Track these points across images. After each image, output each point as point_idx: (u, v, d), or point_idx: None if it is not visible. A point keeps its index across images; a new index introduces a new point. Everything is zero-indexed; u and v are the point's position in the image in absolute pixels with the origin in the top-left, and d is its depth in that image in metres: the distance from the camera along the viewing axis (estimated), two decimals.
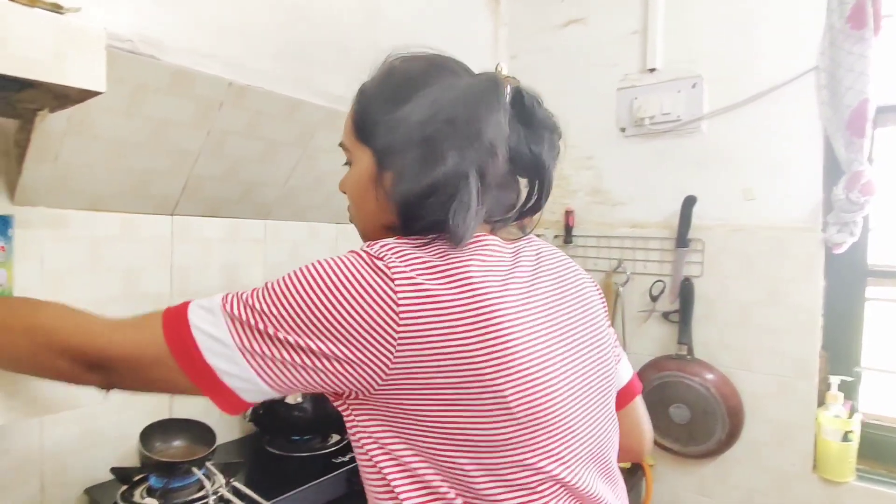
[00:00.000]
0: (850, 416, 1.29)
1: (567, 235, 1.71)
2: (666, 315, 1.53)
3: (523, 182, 0.67)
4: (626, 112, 1.60)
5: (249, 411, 1.11)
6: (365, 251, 0.56)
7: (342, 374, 0.53)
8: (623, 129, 1.62)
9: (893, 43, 1.28)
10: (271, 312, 0.54)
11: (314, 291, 0.54)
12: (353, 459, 1.21)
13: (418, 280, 0.53)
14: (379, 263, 0.54)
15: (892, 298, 1.40)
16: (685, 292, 1.48)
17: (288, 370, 0.53)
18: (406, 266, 0.54)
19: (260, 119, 1.17)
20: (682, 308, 1.48)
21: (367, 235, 0.70)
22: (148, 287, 1.16)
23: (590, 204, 1.70)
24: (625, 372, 0.75)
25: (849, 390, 1.34)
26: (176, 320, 0.57)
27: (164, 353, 0.55)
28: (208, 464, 1.04)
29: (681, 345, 1.47)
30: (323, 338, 0.52)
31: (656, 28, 1.55)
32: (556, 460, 0.55)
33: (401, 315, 0.51)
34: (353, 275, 0.54)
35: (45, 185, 0.97)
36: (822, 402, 1.35)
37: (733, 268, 1.45)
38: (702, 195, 1.48)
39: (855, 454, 1.29)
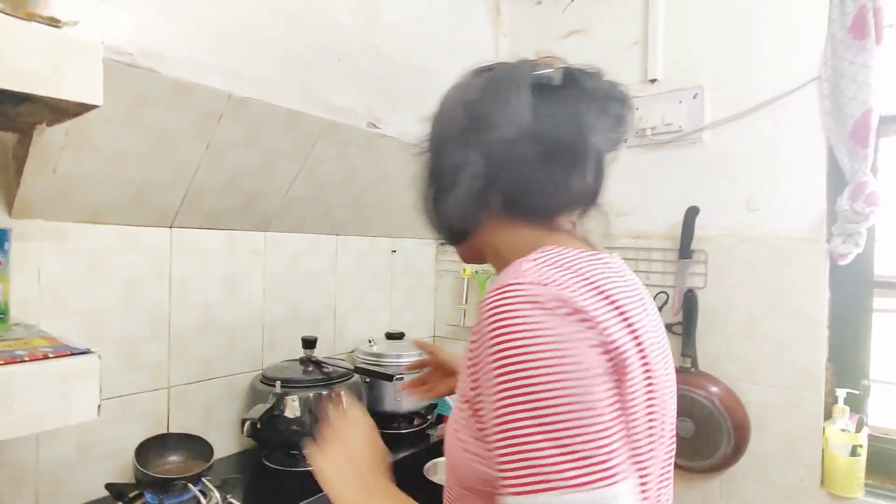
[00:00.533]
0: (858, 430, 1.27)
1: None
2: (669, 327, 1.51)
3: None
4: None
5: (248, 427, 1.10)
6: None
7: None
8: (625, 140, 1.61)
9: (895, 52, 1.28)
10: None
11: None
12: None
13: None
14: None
15: None
16: (688, 304, 1.46)
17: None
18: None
19: (259, 130, 1.17)
20: (685, 320, 1.47)
21: (458, 253, 0.71)
22: (147, 299, 1.15)
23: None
24: None
25: (856, 403, 1.32)
26: None
27: None
28: (205, 479, 1.03)
29: (685, 357, 1.45)
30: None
31: (657, 39, 1.55)
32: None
33: None
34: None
35: (43, 197, 0.97)
36: (828, 416, 1.33)
37: (737, 279, 1.43)
38: (704, 206, 1.47)
39: (863, 469, 1.26)
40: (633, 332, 0.52)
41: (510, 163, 0.57)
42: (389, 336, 1.61)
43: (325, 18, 1.28)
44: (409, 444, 1.40)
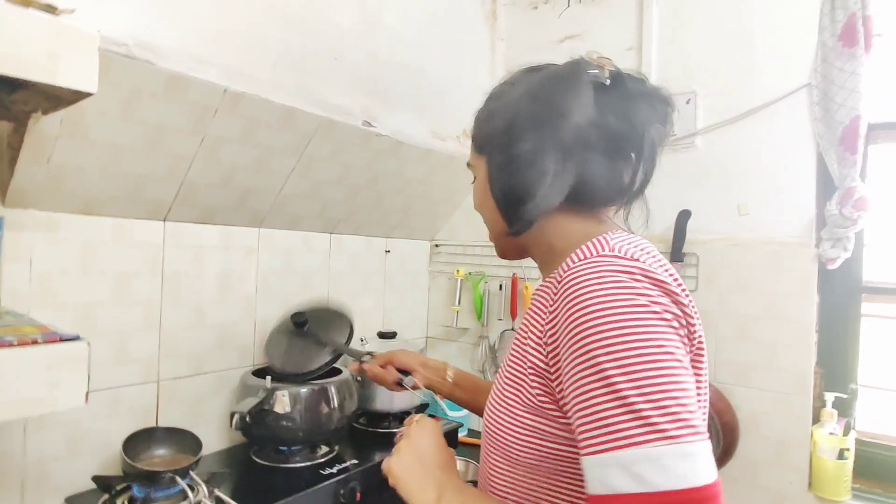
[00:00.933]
0: (846, 434, 1.27)
1: None
2: None
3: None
4: None
5: (237, 420, 1.09)
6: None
7: None
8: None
9: (885, 61, 1.30)
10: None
11: None
12: (340, 471, 1.19)
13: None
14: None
15: (887, 315, 1.40)
16: None
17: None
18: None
19: (255, 126, 1.18)
20: None
21: (496, 243, 0.74)
22: (139, 293, 1.15)
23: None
24: None
25: (844, 407, 1.33)
26: None
27: None
28: (192, 473, 1.02)
29: None
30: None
31: (651, 45, 1.57)
32: None
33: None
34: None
35: (36, 187, 0.97)
36: (817, 420, 1.34)
37: (728, 282, 1.44)
38: (696, 209, 1.48)
39: (850, 472, 1.27)
40: (696, 312, 0.56)
41: (578, 152, 0.61)
42: (382, 335, 1.61)
43: (323, 18, 1.29)
44: None
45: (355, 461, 1.24)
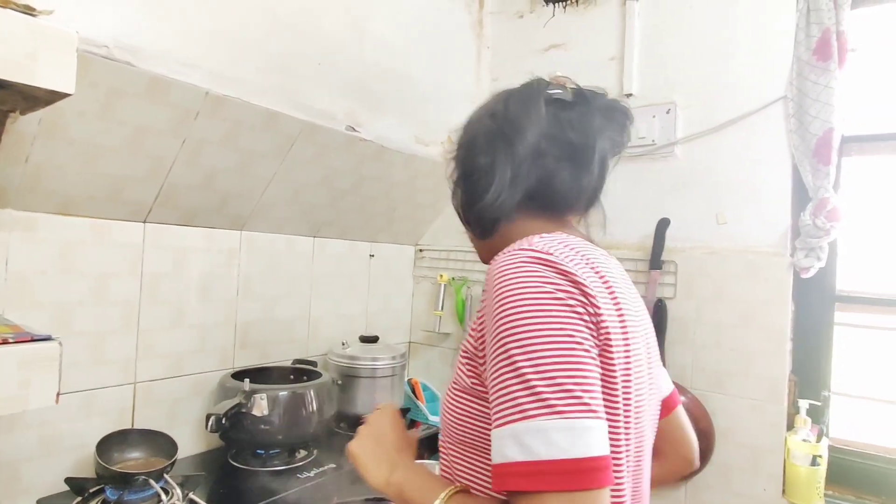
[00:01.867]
0: (819, 441, 1.30)
1: None
2: None
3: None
4: None
5: (213, 422, 1.09)
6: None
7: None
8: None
9: (859, 75, 1.33)
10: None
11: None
12: (318, 475, 1.19)
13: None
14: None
15: (860, 324, 1.42)
16: (659, 314, 1.49)
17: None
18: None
19: (238, 130, 1.18)
20: (655, 329, 1.48)
21: (479, 255, 0.79)
22: (117, 293, 1.15)
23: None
24: (666, 382, 0.82)
25: (817, 415, 1.35)
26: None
27: None
28: (167, 476, 1.02)
29: None
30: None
31: (633, 56, 1.59)
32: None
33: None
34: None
35: (14, 186, 0.97)
36: (791, 426, 1.36)
37: (705, 290, 1.46)
38: (675, 218, 1.50)
39: (823, 478, 1.29)
40: (619, 311, 0.59)
41: (533, 162, 0.66)
42: (364, 339, 1.61)
43: (308, 23, 1.30)
44: None
45: (333, 465, 1.24)
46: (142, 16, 1.00)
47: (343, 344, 1.54)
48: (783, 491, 1.34)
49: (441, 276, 1.87)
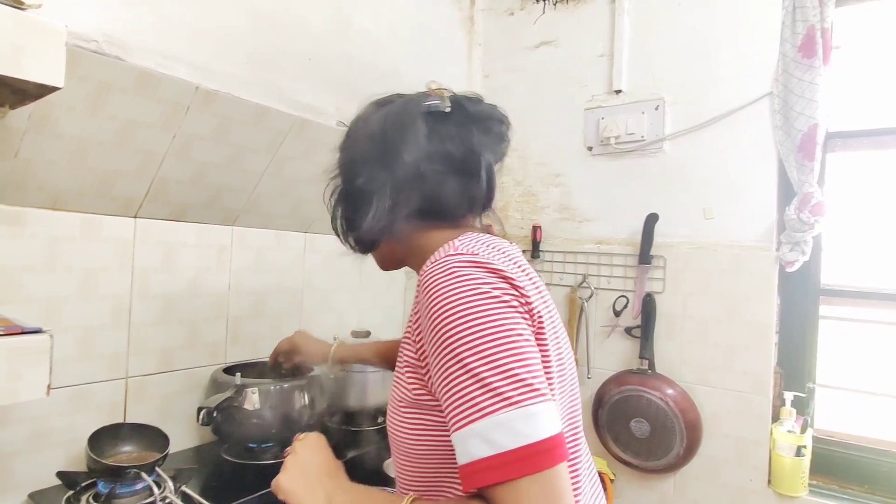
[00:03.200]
0: (803, 432, 1.32)
1: (534, 250, 1.74)
2: (628, 330, 1.56)
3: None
4: (593, 131, 1.65)
5: (204, 415, 1.10)
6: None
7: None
8: (590, 148, 1.66)
9: (843, 72, 1.35)
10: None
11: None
12: None
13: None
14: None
15: (844, 317, 1.45)
16: (647, 308, 1.51)
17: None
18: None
19: (228, 125, 1.18)
20: (643, 323, 1.51)
21: (377, 263, 0.83)
22: (107, 289, 1.15)
23: (557, 220, 1.73)
24: None
25: (802, 406, 1.38)
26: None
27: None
28: (158, 469, 1.02)
29: (642, 359, 1.49)
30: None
31: (622, 52, 1.61)
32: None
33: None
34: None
35: (3, 181, 0.97)
36: (776, 418, 1.38)
37: (693, 285, 1.48)
38: (664, 213, 1.52)
39: (808, 469, 1.31)
40: (541, 295, 0.64)
41: (415, 181, 0.68)
42: (355, 334, 1.62)
43: (295, 18, 1.31)
44: (371, 441, 1.41)
45: None
46: (130, 10, 1.00)
47: (334, 339, 1.54)
48: (769, 481, 1.36)
49: None
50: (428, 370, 0.59)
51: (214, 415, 1.10)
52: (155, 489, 0.99)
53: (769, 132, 1.40)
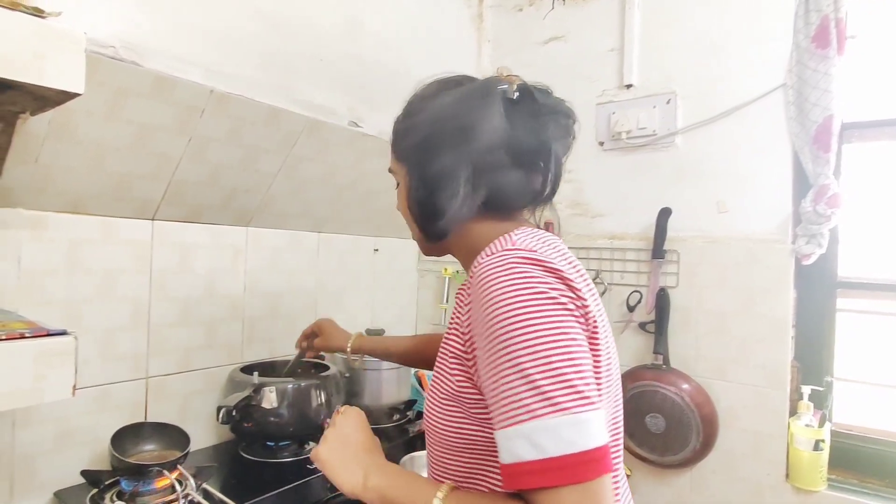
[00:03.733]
0: (821, 426, 1.31)
1: None
2: (642, 325, 1.55)
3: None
4: (604, 126, 1.64)
5: (224, 414, 1.11)
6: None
7: None
8: (601, 143, 1.66)
9: (858, 62, 1.33)
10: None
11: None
12: None
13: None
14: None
15: (862, 310, 1.43)
16: (661, 303, 1.50)
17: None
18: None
19: (241, 126, 1.20)
20: (657, 318, 1.51)
21: (421, 245, 0.78)
22: (126, 291, 1.17)
23: (570, 216, 1.73)
24: None
25: (820, 400, 1.36)
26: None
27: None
28: (180, 467, 1.04)
29: (656, 354, 1.49)
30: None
31: (633, 46, 1.60)
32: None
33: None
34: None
35: (24, 186, 0.99)
36: (793, 412, 1.37)
37: (707, 279, 1.47)
38: (676, 207, 1.51)
39: (826, 463, 1.30)
40: (594, 297, 0.62)
41: (491, 167, 0.66)
42: (370, 332, 1.63)
43: (305, 22, 1.32)
44: (387, 438, 1.42)
45: None
46: (145, 16, 1.01)
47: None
48: (787, 475, 1.35)
49: (445, 269, 1.88)
50: (475, 363, 0.58)
51: (233, 413, 1.12)
52: (177, 487, 1.01)
53: (783, 124, 1.39)
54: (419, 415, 1.62)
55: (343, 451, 0.69)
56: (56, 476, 1.06)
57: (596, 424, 0.51)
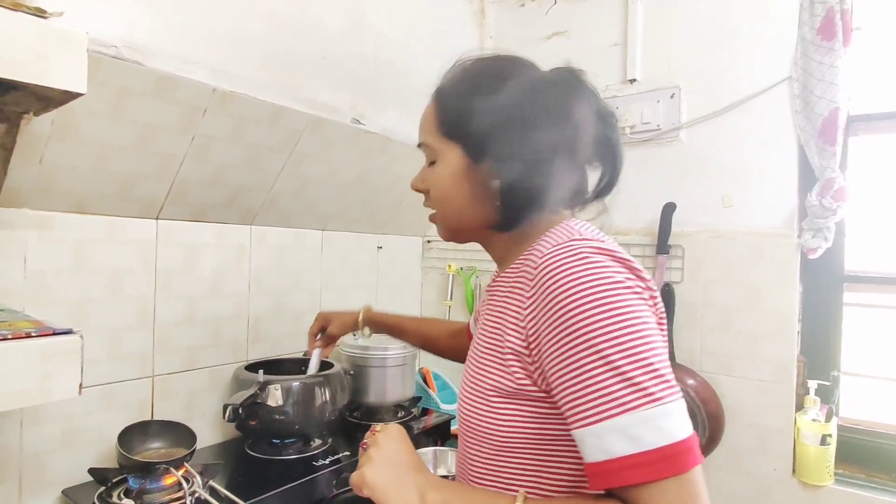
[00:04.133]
0: (828, 420, 1.30)
1: None
2: None
3: None
4: None
5: (230, 412, 1.12)
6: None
7: None
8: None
9: (864, 55, 1.32)
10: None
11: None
12: (333, 463, 1.21)
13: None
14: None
15: (869, 304, 1.42)
16: (666, 298, 1.50)
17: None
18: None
19: (244, 125, 1.20)
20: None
21: (458, 231, 0.74)
22: (132, 290, 1.17)
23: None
24: None
25: (826, 394, 1.36)
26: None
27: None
28: (187, 464, 1.05)
29: None
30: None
31: (636, 41, 1.59)
32: None
33: None
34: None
35: (29, 186, 0.99)
36: (800, 407, 1.36)
37: (713, 274, 1.47)
38: (681, 202, 1.50)
39: (833, 458, 1.30)
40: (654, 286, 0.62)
41: (580, 160, 0.66)
42: (374, 330, 1.63)
43: (308, 19, 1.31)
44: None
45: (347, 453, 1.27)
46: (146, 15, 1.01)
47: (354, 335, 1.56)
48: (793, 470, 1.35)
49: (449, 266, 1.88)
50: (540, 359, 0.57)
51: (239, 411, 1.12)
52: (184, 484, 1.02)
53: (788, 117, 1.38)
54: (424, 412, 1.62)
55: (392, 471, 0.62)
56: (64, 474, 1.07)
57: (683, 413, 0.50)
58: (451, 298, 1.89)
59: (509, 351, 0.60)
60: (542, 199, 0.63)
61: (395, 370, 1.54)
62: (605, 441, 0.49)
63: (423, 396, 1.70)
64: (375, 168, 1.57)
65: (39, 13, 0.71)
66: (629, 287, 0.53)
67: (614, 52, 1.64)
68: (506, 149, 0.63)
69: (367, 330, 1.25)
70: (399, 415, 1.55)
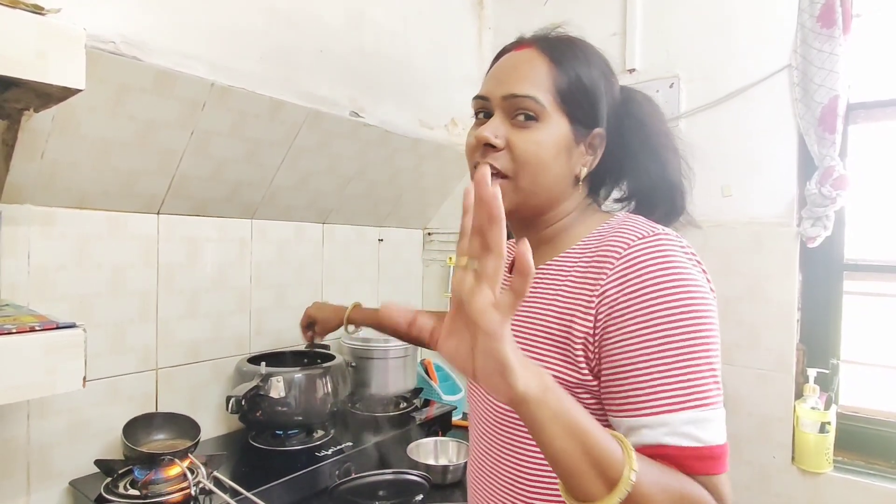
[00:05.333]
0: (827, 408, 1.31)
1: None
2: None
3: None
4: None
5: (233, 403, 1.13)
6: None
7: None
8: None
9: (864, 42, 1.31)
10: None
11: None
12: (336, 453, 1.23)
13: None
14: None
15: (868, 292, 1.42)
16: None
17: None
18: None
19: (244, 119, 1.20)
20: None
21: (533, 204, 0.67)
22: (134, 285, 1.19)
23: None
24: None
25: (825, 382, 1.36)
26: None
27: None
28: (191, 455, 1.06)
29: None
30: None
31: (635, 30, 1.59)
32: None
33: None
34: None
35: (31, 183, 1.00)
36: (799, 395, 1.37)
37: (712, 263, 1.44)
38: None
39: (832, 445, 1.30)
40: None
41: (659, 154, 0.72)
42: None
43: (307, 13, 1.32)
44: (395, 425, 1.44)
45: (350, 443, 1.28)
46: (144, 10, 1.02)
47: (350, 330, 1.57)
48: (793, 458, 1.36)
49: (450, 258, 1.89)
50: (600, 345, 0.57)
51: (242, 403, 1.14)
52: (189, 475, 1.03)
53: (788, 106, 1.37)
54: (426, 403, 1.64)
55: (512, 342, 0.47)
56: (71, 466, 1.09)
57: (723, 420, 0.56)
58: (451, 290, 1.89)
59: (579, 339, 0.58)
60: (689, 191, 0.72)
61: (396, 361, 1.55)
62: (705, 427, 0.53)
63: (425, 388, 1.71)
64: (375, 161, 1.58)
65: (37, 10, 0.72)
66: (709, 290, 0.58)
67: (613, 42, 1.63)
68: (619, 148, 0.69)
69: (351, 327, 1.30)
70: (401, 406, 1.57)
